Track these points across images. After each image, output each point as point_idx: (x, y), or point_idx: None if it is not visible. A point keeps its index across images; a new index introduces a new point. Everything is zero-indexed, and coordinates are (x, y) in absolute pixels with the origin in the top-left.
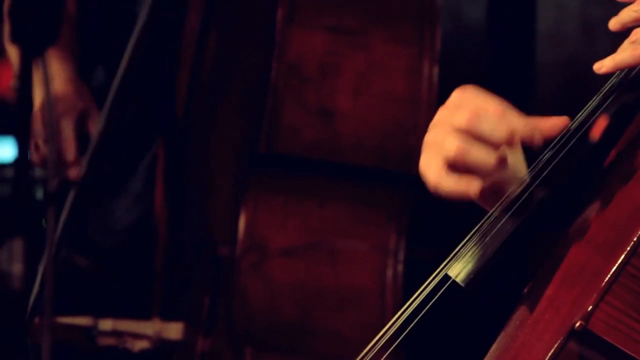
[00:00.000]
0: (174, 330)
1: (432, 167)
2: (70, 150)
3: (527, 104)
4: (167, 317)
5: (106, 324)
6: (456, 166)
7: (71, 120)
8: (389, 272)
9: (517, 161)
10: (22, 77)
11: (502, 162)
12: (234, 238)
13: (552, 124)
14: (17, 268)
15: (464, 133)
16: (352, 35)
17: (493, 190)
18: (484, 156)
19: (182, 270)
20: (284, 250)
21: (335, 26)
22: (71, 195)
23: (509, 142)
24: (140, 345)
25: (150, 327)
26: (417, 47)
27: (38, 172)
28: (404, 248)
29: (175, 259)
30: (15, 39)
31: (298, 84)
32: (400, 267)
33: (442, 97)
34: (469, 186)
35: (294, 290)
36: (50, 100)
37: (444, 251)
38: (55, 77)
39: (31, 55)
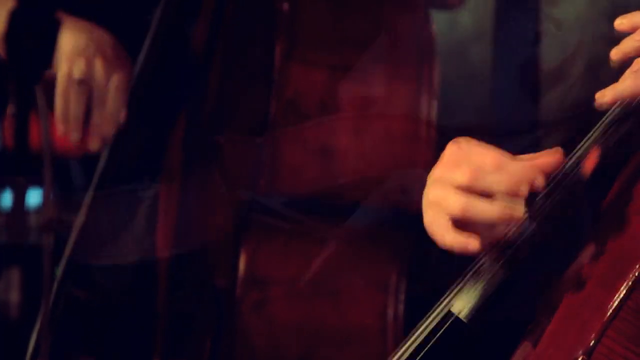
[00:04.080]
0: None
1: (437, 225)
2: (112, 109)
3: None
4: (169, 358)
5: None
6: (461, 222)
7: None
8: (390, 312)
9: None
10: (19, 106)
11: (507, 214)
12: (232, 272)
13: (547, 160)
14: (14, 297)
15: (467, 190)
16: (351, 71)
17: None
18: (488, 210)
19: (183, 312)
20: (286, 290)
21: (334, 64)
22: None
23: (514, 194)
24: None
25: None
26: (415, 83)
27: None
28: (405, 289)
29: (176, 301)
30: (11, 68)
31: (297, 121)
32: (401, 307)
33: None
34: (470, 241)
35: (297, 329)
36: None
37: (443, 287)
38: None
39: (28, 83)
